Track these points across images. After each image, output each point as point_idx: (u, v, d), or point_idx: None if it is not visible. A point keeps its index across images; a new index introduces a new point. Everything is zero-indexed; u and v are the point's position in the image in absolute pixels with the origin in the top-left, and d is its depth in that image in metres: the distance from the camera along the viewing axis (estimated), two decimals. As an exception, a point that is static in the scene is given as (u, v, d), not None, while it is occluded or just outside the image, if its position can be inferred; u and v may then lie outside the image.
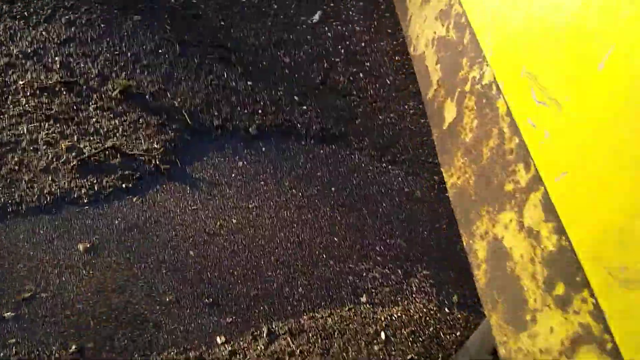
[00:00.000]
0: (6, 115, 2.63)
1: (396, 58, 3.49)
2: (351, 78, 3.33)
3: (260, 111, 3.02)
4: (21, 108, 2.68)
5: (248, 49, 3.30)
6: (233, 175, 2.75)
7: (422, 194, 2.91)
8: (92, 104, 2.79)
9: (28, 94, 2.73)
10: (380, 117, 3.18)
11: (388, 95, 3.29)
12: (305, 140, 3.00)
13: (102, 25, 3.12)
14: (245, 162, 2.81)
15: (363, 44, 3.52)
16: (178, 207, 2.56)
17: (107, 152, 2.62)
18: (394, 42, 3.57)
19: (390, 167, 2.98)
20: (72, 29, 3.06)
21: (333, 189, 2.82)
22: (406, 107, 3.26)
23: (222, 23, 3.39)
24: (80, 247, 2.32)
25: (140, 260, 2.37)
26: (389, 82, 3.36)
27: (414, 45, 3.18)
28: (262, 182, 2.76)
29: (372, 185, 2.89)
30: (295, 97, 3.14)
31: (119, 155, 2.63)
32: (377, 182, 2.90)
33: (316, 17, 3.61)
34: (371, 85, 3.32)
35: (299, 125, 3.02)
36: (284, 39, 3.42)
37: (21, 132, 2.60)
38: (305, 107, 3.11)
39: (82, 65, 2.92)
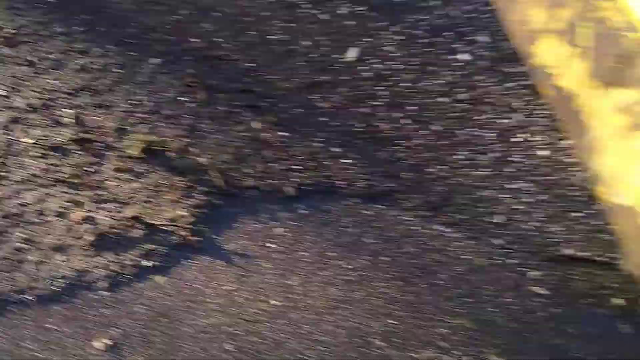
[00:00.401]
0: (10, 181, 2.28)
1: (441, 100, 3.14)
2: (395, 124, 2.98)
3: (296, 167, 2.67)
4: (27, 172, 2.33)
5: (279, 93, 2.96)
6: (270, 245, 2.39)
7: (483, 261, 2.55)
8: (108, 165, 2.44)
9: (35, 154, 2.39)
10: (429, 170, 2.82)
11: (436, 144, 2.94)
12: (349, 199, 2.64)
13: (118, 71, 2.79)
14: (283, 229, 2.46)
15: (405, 84, 3.18)
16: (210, 287, 2.21)
17: (126, 223, 2.26)
18: (438, 82, 3.22)
19: (444, 229, 2.63)
20: (85, 76, 2.73)
21: (384, 258, 2.47)
22: (456, 157, 2.90)
23: (250, 64, 3.05)
24: (98, 344, 1.96)
25: (168, 358, 2.00)
26: (436, 128, 3.01)
27: (613, 189, 2.57)
28: (304, 253, 2.40)
29: (427, 252, 2.53)
30: (335, 149, 2.79)
31: (140, 227, 2.27)
32: (431, 249, 2.55)
33: (352, 54, 3.27)
34: (417, 132, 2.97)
35: (340, 183, 2.67)
36: (318, 80, 3.08)
37: (27, 201, 2.25)
38: (346, 161, 2.76)
39: (96, 118, 2.58)
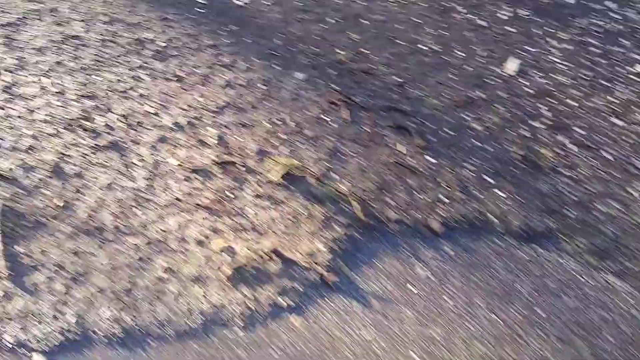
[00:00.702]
0: (155, 205, 2.29)
1: (615, 122, 2.73)
2: (558, 150, 2.64)
3: (444, 198, 2.45)
4: (171, 195, 2.33)
5: (428, 112, 2.73)
6: (412, 289, 2.21)
7: (662, 324, 2.18)
8: (249, 190, 2.38)
9: (180, 176, 2.38)
10: (597, 206, 2.47)
11: (607, 174, 2.56)
12: (502, 239, 2.38)
13: (262, 87, 2.72)
14: (426, 271, 2.26)
15: (572, 102, 2.81)
16: (346, 333, 2.07)
17: (264, 256, 2.19)
18: (611, 100, 2.81)
19: (613, 280, 2.28)
20: (230, 92, 2.69)
21: (539, 311, 2.19)
22: (632, 192, 2.51)
23: (398, 79, 2.84)
24: (231, 388, 1.91)
25: (300, 409, 1.91)
26: (607, 155, 2.63)
27: None
28: (449, 301, 2.19)
29: (591, 307, 2.21)
30: (488, 178, 2.53)
31: (278, 260, 2.19)
32: (597, 303, 2.22)
33: (511, 66, 2.94)
34: (584, 160, 2.61)
35: (493, 219, 2.41)
36: (472, 97, 2.81)
37: (171, 227, 2.25)
38: (501, 193, 2.48)
39: (239, 138, 2.53)
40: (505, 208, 2.45)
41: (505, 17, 3.10)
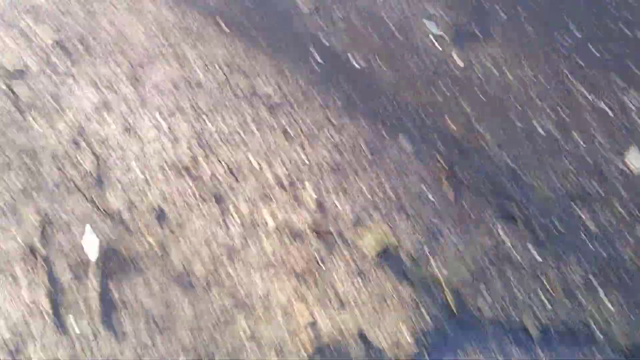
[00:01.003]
0: (246, 265, 2.30)
1: None
2: (679, 263, 2.41)
3: (546, 299, 2.29)
4: (264, 257, 2.33)
5: (539, 202, 2.59)
6: (499, 396, 2.07)
7: None
8: (341, 262, 2.34)
9: (275, 238, 2.38)
10: None
11: None
12: (603, 352, 2.19)
13: (368, 153, 2.69)
14: (517, 378, 2.12)
15: (701, 211, 2.57)
16: None
17: (347, 336, 2.14)
18: None
19: None
20: (335, 155, 2.67)
21: None
22: None
23: (509, 161, 2.72)
24: None
25: None
26: None
27: None
28: (538, 416, 2.03)
29: None
30: (596, 284, 2.35)
31: (361, 343, 2.13)
32: None
33: (635, 160, 2.74)
34: None
35: (596, 329, 2.23)
36: (589, 190, 2.64)
37: (259, 289, 2.25)
38: (608, 301, 2.30)
39: (337, 205, 2.50)
40: (610, 319, 2.26)
41: (634, 106, 2.91)
